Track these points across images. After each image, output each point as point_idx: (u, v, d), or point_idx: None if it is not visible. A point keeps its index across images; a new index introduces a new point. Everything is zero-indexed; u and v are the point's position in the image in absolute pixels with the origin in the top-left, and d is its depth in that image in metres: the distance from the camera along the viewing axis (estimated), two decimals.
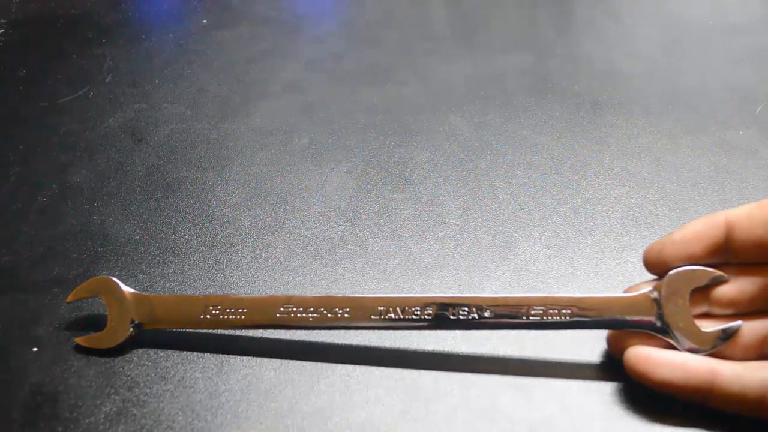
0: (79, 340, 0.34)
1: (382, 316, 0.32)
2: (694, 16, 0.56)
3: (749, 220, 0.29)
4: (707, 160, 0.43)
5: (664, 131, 0.45)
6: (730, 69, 0.50)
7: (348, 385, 0.32)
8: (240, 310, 0.33)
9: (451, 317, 0.32)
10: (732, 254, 0.30)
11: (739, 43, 0.53)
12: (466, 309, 0.32)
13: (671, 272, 0.31)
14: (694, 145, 0.44)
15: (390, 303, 0.32)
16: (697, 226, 0.30)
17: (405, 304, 0.32)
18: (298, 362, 0.33)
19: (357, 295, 0.33)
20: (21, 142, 0.45)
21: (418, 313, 0.32)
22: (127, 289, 0.34)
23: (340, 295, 0.33)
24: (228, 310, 0.33)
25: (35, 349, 0.34)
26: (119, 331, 0.33)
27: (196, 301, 0.33)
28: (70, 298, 0.34)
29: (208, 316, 0.33)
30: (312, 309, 0.32)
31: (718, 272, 0.30)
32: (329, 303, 0.32)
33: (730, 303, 0.30)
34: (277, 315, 0.32)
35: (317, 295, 0.33)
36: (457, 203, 0.41)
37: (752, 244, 0.29)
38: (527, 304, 0.31)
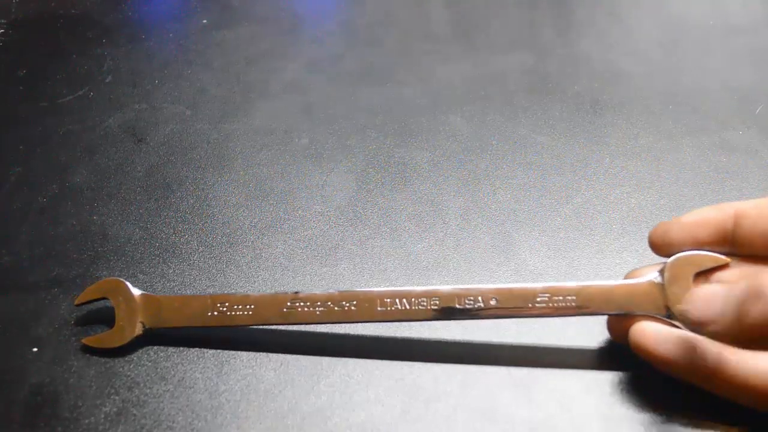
0: (86, 340, 0.33)
1: (389, 308, 0.32)
2: (694, 16, 0.56)
3: (758, 211, 0.30)
4: (707, 160, 0.43)
5: (664, 131, 0.45)
6: (730, 69, 0.50)
7: (348, 385, 0.32)
8: (248, 307, 0.33)
9: (458, 306, 0.32)
10: (738, 245, 0.30)
11: (739, 43, 0.53)
12: (472, 299, 0.32)
13: (674, 257, 0.31)
14: (694, 145, 0.44)
15: (397, 295, 0.32)
16: (706, 212, 0.31)
17: (412, 296, 0.32)
18: (298, 362, 0.33)
19: (364, 290, 0.33)
20: (21, 142, 0.45)
21: (425, 304, 0.32)
22: (135, 290, 0.34)
23: (346, 289, 0.33)
24: (236, 307, 0.33)
25: (35, 349, 0.34)
26: (127, 331, 0.33)
27: (204, 300, 0.33)
28: (78, 301, 0.34)
29: (216, 313, 0.33)
30: (319, 303, 0.32)
31: (720, 257, 0.31)
32: (336, 298, 0.32)
33: None
34: (285, 311, 0.33)
35: (324, 290, 0.33)
36: (457, 203, 0.41)
37: (759, 235, 0.30)
38: (532, 293, 0.31)
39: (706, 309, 0.29)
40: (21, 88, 0.50)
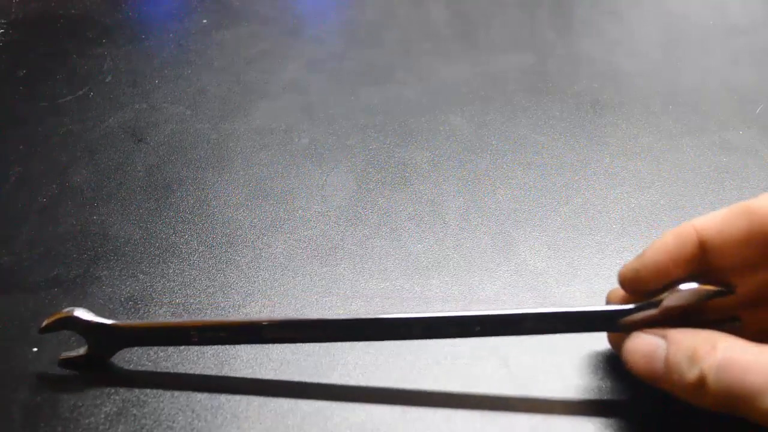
0: (63, 359, 0.33)
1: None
2: (694, 16, 0.56)
3: (720, 235, 0.28)
4: (707, 160, 0.43)
5: (664, 131, 0.45)
6: (730, 69, 0.50)
7: (348, 385, 0.32)
8: (220, 335, 0.32)
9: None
10: (710, 270, 0.29)
11: (739, 43, 0.53)
12: (455, 328, 0.31)
13: (674, 294, 0.29)
14: (694, 145, 0.44)
15: (374, 325, 0.31)
16: (668, 245, 0.29)
17: (389, 325, 0.31)
18: (298, 362, 0.33)
19: (335, 317, 0.33)
20: (21, 142, 0.45)
21: (404, 332, 0.31)
22: (96, 319, 0.32)
23: (329, 317, 0.33)
24: (207, 334, 0.32)
25: (35, 349, 0.34)
26: (96, 359, 0.33)
27: (177, 329, 0.33)
28: (41, 331, 0.32)
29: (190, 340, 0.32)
30: (291, 331, 0.32)
31: (720, 289, 0.29)
32: (306, 324, 0.32)
33: (720, 307, 0.29)
34: (260, 336, 0.32)
35: (293, 317, 0.33)
36: (457, 203, 0.41)
37: (728, 261, 0.28)
38: (519, 319, 0.31)
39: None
40: (21, 88, 0.50)
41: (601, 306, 0.31)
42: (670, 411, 0.30)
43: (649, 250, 0.29)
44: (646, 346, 0.28)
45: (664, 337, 0.28)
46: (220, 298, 0.36)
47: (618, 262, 0.37)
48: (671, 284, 0.29)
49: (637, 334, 0.29)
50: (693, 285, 0.29)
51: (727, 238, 0.28)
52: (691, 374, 0.26)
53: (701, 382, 0.26)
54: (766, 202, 0.27)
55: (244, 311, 0.35)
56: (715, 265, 0.29)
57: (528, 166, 0.43)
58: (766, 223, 0.27)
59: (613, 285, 0.36)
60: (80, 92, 0.50)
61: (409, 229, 0.39)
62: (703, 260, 0.29)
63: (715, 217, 0.28)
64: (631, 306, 0.30)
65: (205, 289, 0.37)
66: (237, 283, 0.37)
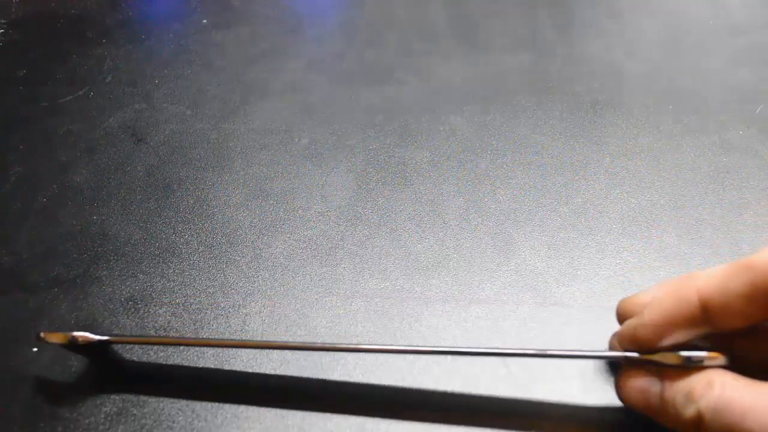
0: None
1: None
2: (694, 16, 0.56)
3: (722, 295, 0.27)
4: (707, 160, 0.43)
5: (664, 131, 0.45)
6: (730, 69, 0.50)
7: (348, 384, 0.32)
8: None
9: None
10: (710, 324, 0.28)
11: (739, 43, 0.53)
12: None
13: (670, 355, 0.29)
14: (694, 145, 0.44)
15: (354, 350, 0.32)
16: (667, 307, 0.28)
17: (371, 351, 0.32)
18: (298, 362, 0.33)
19: (318, 343, 0.34)
20: (21, 142, 0.45)
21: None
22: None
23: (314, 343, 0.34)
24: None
25: (35, 349, 0.34)
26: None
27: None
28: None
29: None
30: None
31: (721, 363, 0.28)
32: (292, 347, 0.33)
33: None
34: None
35: (276, 340, 0.34)
36: (457, 203, 0.41)
37: (729, 316, 0.27)
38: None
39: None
40: (21, 88, 0.50)
41: (605, 352, 0.32)
42: None
43: (647, 310, 0.29)
44: (640, 380, 0.28)
45: (658, 372, 0.28)
46: (220, 298, 0.36)
47: (618, 262, 0.37)
48: (671, 347, 0.28)
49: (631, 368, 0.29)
50: (693, 353, 0.28)
51: (729, 296, 0.27)
52: (688, 412, 0.26)
53: (698, 421, 0.26)
54: (766, 256, 0.26)
55: (244, 311, 0.35)
56: (716, 324, 0.28)
57: (528, 166, 0.43)
58: None
59: (613, 285, 0.36)
60: (80, 92, 0.50)
61: (409, 229, 0.39)
62: (704, 320, 0.28)
63: (716, 275, 0.27)
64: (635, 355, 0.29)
65: (205, 289, 0.37)
66: (237, 283, 0.37)
